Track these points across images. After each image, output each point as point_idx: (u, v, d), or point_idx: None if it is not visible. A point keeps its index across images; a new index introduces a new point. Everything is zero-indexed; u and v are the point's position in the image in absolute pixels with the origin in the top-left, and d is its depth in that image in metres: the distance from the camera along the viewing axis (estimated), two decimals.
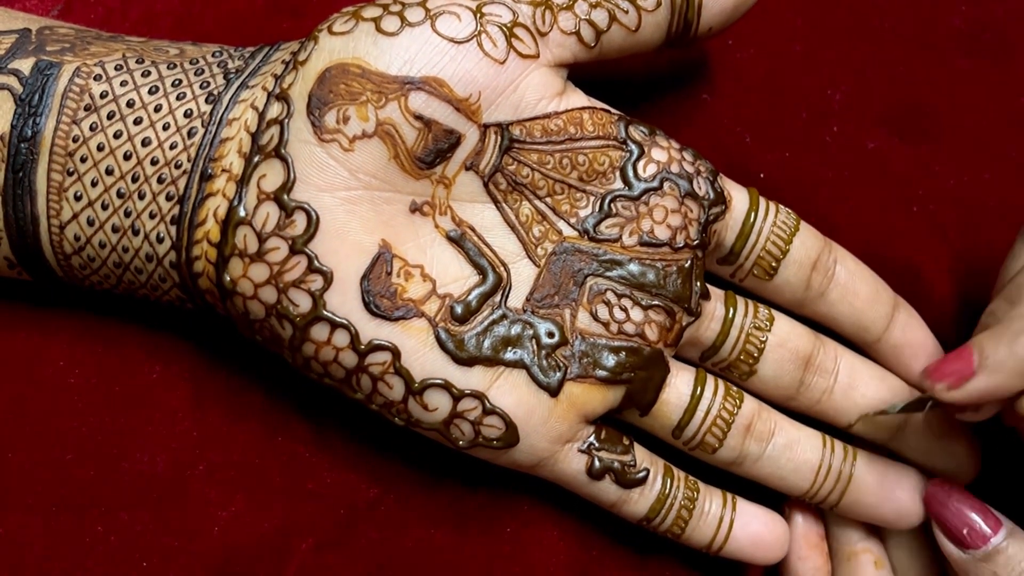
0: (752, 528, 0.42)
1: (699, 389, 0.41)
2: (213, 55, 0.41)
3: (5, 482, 0.43)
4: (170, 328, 0.44)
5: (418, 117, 0.37)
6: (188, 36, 0.48)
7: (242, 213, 0.37)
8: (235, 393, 0.45)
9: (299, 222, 0.37)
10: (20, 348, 0.44)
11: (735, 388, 0.42)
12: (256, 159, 0.37)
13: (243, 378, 0.44)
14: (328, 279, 0.37)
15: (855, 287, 0.43)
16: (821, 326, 0.44)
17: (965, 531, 0.40)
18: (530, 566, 0.44)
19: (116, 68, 0.40)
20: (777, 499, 0.44)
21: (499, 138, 0.39)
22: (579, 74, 0.41)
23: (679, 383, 0.41)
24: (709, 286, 0.42)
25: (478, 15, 0.38)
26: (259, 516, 0.43)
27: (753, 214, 0.42)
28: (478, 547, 0.44)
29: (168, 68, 0.40)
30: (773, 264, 0.42)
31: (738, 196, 0.42)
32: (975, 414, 0.38)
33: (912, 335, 0.44)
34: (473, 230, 0.40)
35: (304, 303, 0.37)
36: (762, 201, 0.42)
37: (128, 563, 0.42)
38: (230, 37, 0.48)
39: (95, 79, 0.39)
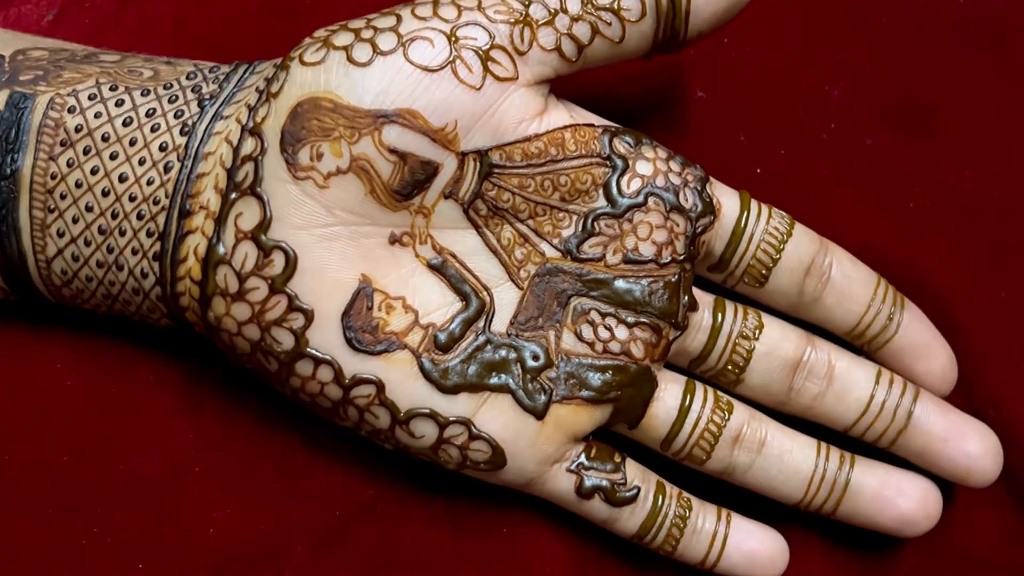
0: (747, 546, 0.42)
1: (687, 401, 0.41)
2: (187, 77, 0.40)
3: (1, 484, 0.43)
4: (166, 330, 0.44)
5: (393, 151, 0.37)
6: (182, 40, 0.48)
7: (221, 251, 0.37)
8: (230, 395, 0.45)
9: (277, 262, 0.37)
10: (16, 350, 0.44)
11: (725, 398, 0.42)
12: (232, 196, 0.37)
13: (238, 380, 0.44)
14: (309, 317, 0.37)
15: (851, 291, 0.42)
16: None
17: None
18: (527, 566, 0.44)
19: (89, 98, 0.39)
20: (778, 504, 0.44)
21: (478, 165, 0.38)
22: (565, 80, 0.40)
23: (667, 396, 0.41)
24: (699, 291, 0.42)
25: (452, 40, 0.37)
26: (255, 518, 0.44)
27: (743, 220, 0.41)
28: (474, 547, 0.44)
29: (142, 95, 0.39)
30: (764, 272, 0.41)
31: (728, 203, 0.41)
32: None
33: (915, 336, 0.43)
34: (455, 256, 0.39)
35: (287, 341, 0.37)
36: (754, 205, 0.41)
37: (124, 564, 0.43)
38: (225, 40, 0.48)
39: (69, 111, 0.39)
